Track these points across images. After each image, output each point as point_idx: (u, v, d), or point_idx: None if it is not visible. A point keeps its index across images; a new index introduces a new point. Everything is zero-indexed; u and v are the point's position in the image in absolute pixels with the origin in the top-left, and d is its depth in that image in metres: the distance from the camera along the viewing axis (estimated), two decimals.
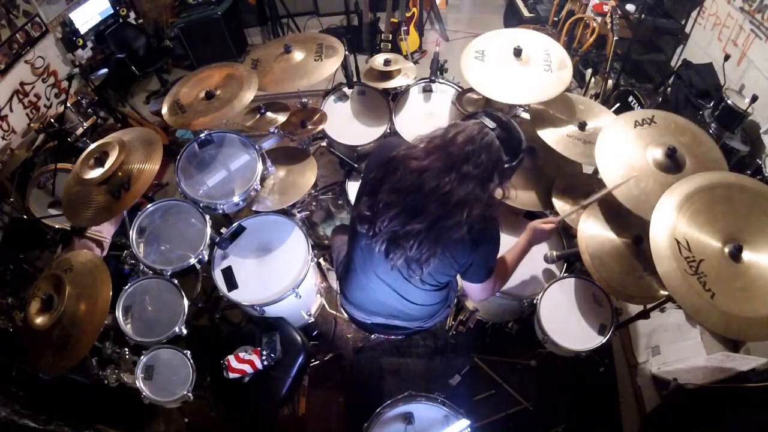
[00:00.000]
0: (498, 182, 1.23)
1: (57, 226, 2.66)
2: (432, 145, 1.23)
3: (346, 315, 1.77)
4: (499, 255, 1.43)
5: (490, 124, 1.20)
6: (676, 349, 2.19)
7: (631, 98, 2.96)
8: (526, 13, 4.11)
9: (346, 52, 2.24)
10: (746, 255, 1.29)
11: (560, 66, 1.92)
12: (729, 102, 2.44)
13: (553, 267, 1.93)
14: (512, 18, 4.29)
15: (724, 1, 2.88)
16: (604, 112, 2.01)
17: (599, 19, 3.47)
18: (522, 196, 1.95)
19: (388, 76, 2.35)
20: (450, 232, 1.19)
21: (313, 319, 2.26)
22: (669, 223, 1.33)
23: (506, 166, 1.22)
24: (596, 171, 2.08)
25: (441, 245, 1.22)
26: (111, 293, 1.63)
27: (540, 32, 2.07)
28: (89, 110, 3.35)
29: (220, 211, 2.02)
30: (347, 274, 1.59)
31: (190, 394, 1.77)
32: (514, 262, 1.56)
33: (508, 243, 1.98)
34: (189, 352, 1.81)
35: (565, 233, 2.01)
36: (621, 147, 1.65)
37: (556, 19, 3.94)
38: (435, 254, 1.22)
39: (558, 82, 1.86)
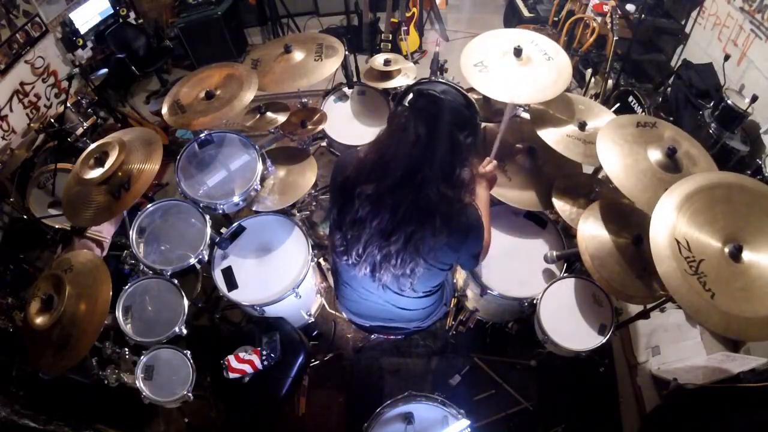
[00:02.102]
0: (462, 165, 1.15)
1: (57, 226, 2.66)
2: (378, 157, 1.13)
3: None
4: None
5: (429, 106, 1.10)
6: (676, 349, 2.19)
7: (631, 98, 2.96)
8: (526, 13, 4.11)
9: (346, 52, 2.24)
10: (746, 255, 1.29)
11: (555, 51, 1.91)
12: (729, 102, 2.45)
13: (553, 267, 1.93)
14: (512, 18, 4.29)
15: (724, 1, 2.88)
16: (604, 112, 2.01)
17: (599, 19, 3.48)
18: (522, 196, 1.95)
19: (388, 76, 2.35)
20: (428, 241, 1.15)
21: (313, 319, 2.26)
22: (669, 223, 1.33)
23: (468, 141, 1.14)
24: (596, 171, 2.08)
25: (422, 255, 1.18)
26: (111, 293, 1.63)
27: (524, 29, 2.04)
28: (89, 110, 3.35)
29: (220, 211, 2.02)
30: (338, 287, 1.60)
31: (190, 394, 1.77)
32: (487, 218, 1.46)
33: (506, 242, 2.00)
34: (189, 352, 1.81)
35: (565, 233, 2.01)
36: (621, 144, 1.65)
37: (556, 19, 3.94)
38: (419, 264, 1.20)
39: (562, 75, 1.84)
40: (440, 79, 1.19)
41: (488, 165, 1.52)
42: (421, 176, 1.09)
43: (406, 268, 1.20)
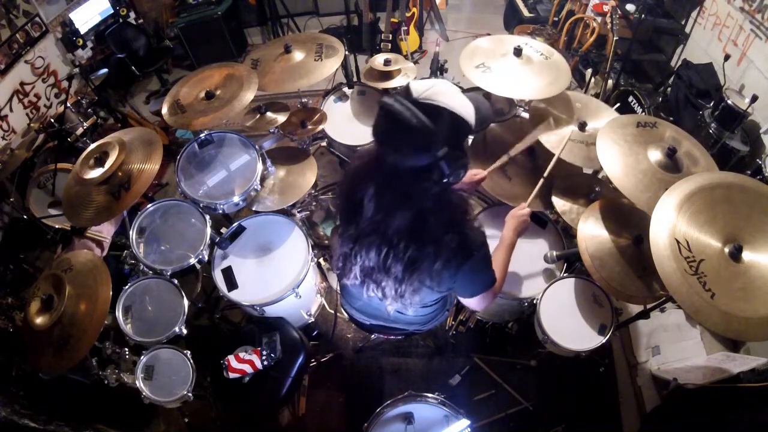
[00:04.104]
0: (457, 178, 1.04)
1: (57, 226, 2.66)
2: (348, 192, 1.12)
3: (346, 315, 1.77)
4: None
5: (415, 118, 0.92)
6: (676, 349, 2.19)
7: (631, 98, 2.96)
8: (526, 13, 4.11)
9: (346, 52, 2.24)
10: (746, 255, 1.29)
11: (549, 52, 1.94)
12: (729, 102, 2.44)
13: (553, 267, 1.93)
14: (512, 18, 4.29)
15: (724, 1, 2.88)
16: (603, 109, 2.01)
17: (599, 19, 3.47)
18: (522, 196, 1.94)
19: (388, 76, 2.35)
20: (425, 273, 1.12)
21: (313, 319, 2.26)
22: (669, 223, 1.33)
23: (440, 161, 0.98)
24: (596, 171, 2.08)
25: (419, 282, 1.15)
26: (111, 293, 1.63)
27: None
28: (89, 110, 3.34)
29: (220, 211, 2.02)
30: (342, 287, 1.60)
31: (190, 394, 1.77)
32: (505, 262, 1.47)
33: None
34: (189, 352, 1.81)
35: (565, 233, 2.01)
36: (621, 144, 1.65)
37: (556, 19, 3.94)
38: (418, 290, 1.18)
39: (562, 71, 1.86)
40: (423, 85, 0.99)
41: (522, 210, 1.53)
42: (414, 200, 1.03)
43: (405, 294, 1.19)
